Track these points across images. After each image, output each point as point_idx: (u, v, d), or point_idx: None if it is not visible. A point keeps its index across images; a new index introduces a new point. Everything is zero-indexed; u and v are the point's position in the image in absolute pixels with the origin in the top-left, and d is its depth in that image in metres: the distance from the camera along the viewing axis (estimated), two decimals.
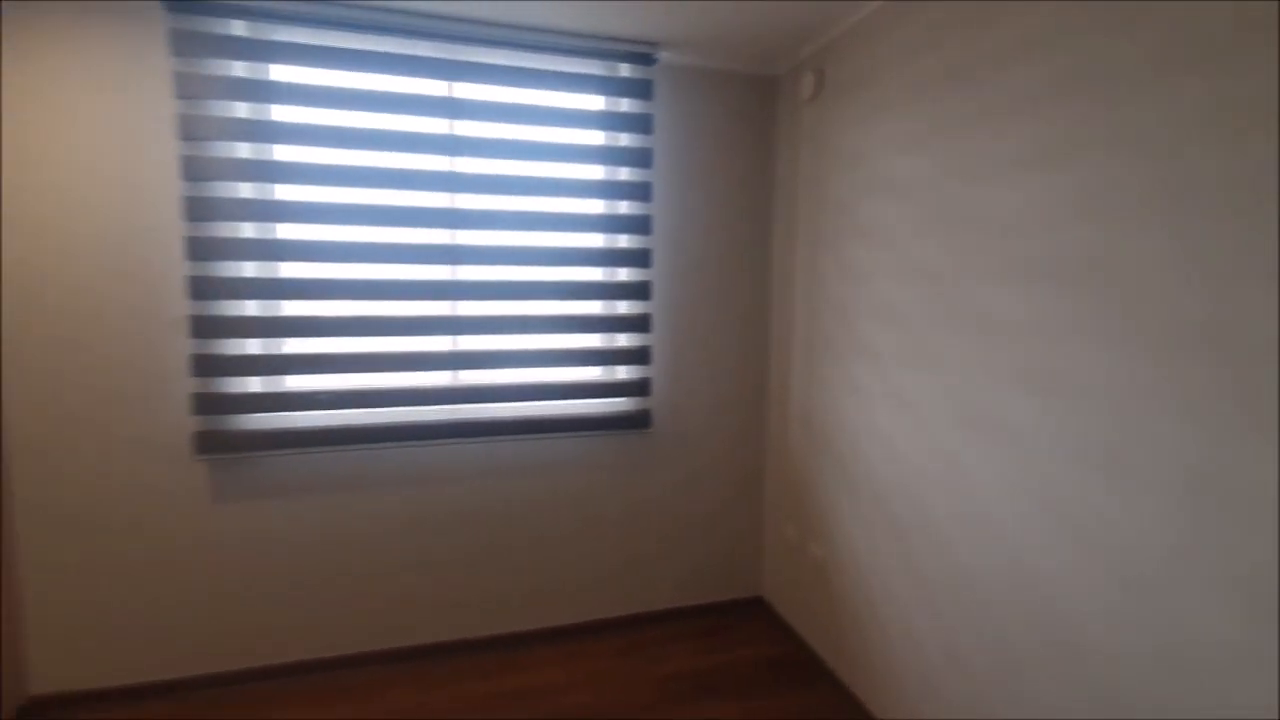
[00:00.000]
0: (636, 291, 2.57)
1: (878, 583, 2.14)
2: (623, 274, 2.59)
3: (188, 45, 2.01)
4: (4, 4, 1.93)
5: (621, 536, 2.74)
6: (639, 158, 2.50)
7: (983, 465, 1.70)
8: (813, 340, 2.50)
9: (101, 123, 2.04)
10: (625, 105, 2.50)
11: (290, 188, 2.19)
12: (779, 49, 2.45)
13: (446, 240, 2.36)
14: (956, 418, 1.78)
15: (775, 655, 2.61)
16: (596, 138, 2.50)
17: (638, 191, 2.52)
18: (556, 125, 2.39)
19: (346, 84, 2.19)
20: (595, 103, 2.50)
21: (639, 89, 2.46)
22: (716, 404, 2.80)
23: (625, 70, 2.46)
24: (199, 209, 2.08)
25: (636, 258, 2.56)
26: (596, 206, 2.54)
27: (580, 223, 2.48)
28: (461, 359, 2.41)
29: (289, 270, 2.25)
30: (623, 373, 2.65)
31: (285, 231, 2.21)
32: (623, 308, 2.61)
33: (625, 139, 2.51)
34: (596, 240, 2.55)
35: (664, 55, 2.48)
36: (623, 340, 2.63)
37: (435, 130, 2.30)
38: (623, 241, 2.57)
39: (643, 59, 2.42)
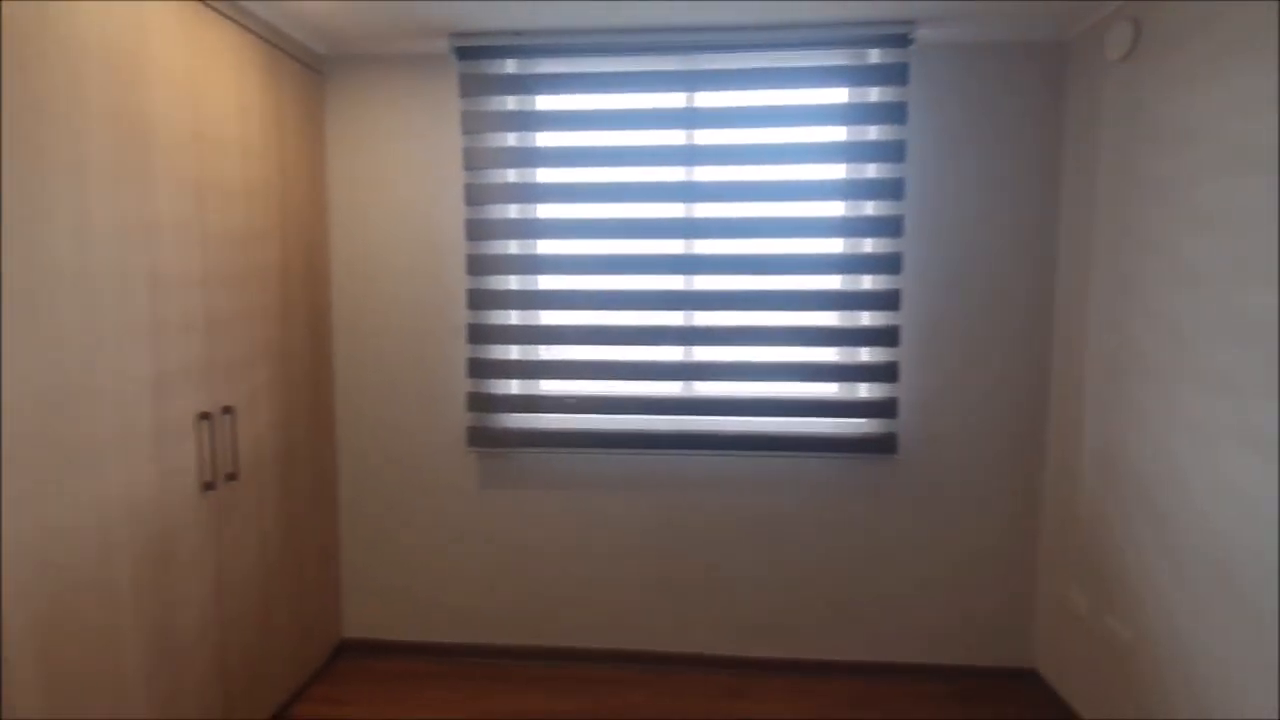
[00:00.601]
0: (883, 301, 2.32)
1: (1217, 684, 1.60)
2: (867, 282, 2.36)
3: (473, 86, 2.32)
4: (328, 67, 2.43)
5: (859, 572, 2.47)
6: (889, 151, 2.25)
7: None
8: (1120, 360, 2.00)
9: (407, 161, 2.45)
10: (875, 95, 2.28)
11: (547, 206, 2.40)
12: (1073, 6, 2.02)
13: (681, 250, 2.38)
14: None
15: None
16: (839, 133, 2.31)
17: (887, 189, 2.27)
18: (796, 124, 2.27)
19: (595, 106, 2.34)
20: (839, 96, 2.32)
21: (891, 75, 2.22)
22: (981, 432, 2.39)
23: (875, 56, 2.24)
24: (476, 229, 2.38)
25: (884, 263, 2.30)
26: (837, 209, 2.35)
27: (819, 227, 2.32)
28: (694, 370, 2.40)
29: (545, 283, 2.46)
30: (865, 391, 2.40)
31: (543, 247, 2.43)
32: (866, 319, 2.37)
33: (874, 132, 2.28)
34: (836, 246, 2.35)
35: (921, 34, 2.20)
36: (865, 355, 2.38)
37: (674, 142, 2.34)
38: (868, 246, 2.34)
39: (896, 41, 2.18)
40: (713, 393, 2.44)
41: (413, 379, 2.53)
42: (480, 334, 2.42)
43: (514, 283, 2.46)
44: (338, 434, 2.58)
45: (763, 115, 2.27)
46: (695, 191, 2.33)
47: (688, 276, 2.39)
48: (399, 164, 2.46)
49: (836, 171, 2.34)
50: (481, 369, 2.43)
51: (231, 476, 1.95)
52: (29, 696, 1.35)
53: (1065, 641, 2.27)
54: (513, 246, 2.44)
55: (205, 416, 1.85)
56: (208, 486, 1.86)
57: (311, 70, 2.36)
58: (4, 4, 1.28)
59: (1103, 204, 2.07)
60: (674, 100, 2.34)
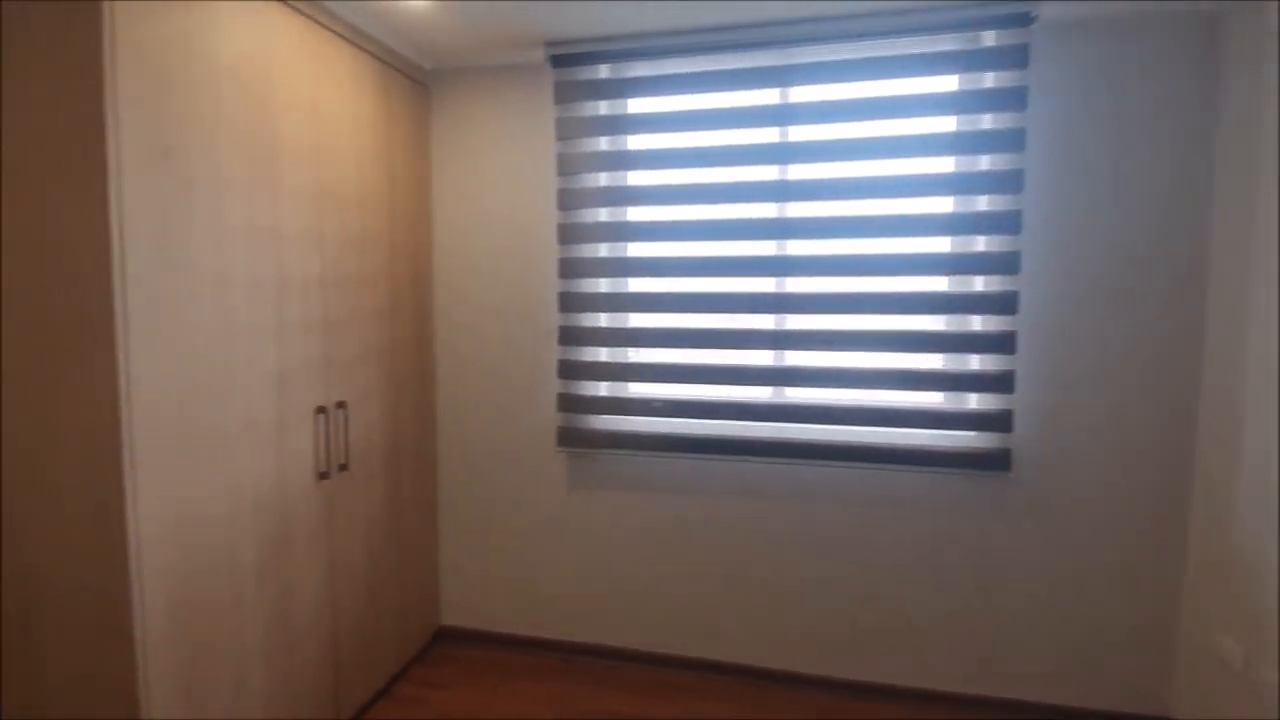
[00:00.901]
0: (998, 304, 2.14)
1: None
2: (979, 283, 2.18)
3: (567, 93, 2.37)
4: (433, 81, 2.55)
5: (966, 598, 2.29)
6: (1006, 141, 2.07)
7: None
8: None
9: (503, 168, 2.54)
10: (990, 80, 2.10)
11: (637, 209, 2.41)
12: None
13: (773, 251, 2.31)
14: None
15: None
16: (948, 124, 2.16)
17: (1003, 182, 2.09)
18: (899, 116, 2.14)
19: (687, 106, 2.32)
20: (948, 84, 2.16)
21: (1009, 58, 2.04)
22: (1112, 450, 2.14)
23: (990, 39, 2.07)
24: (568, 233, 2.43)
25: (999, 263, 2.12)
26: (945, 205, 2.19)
27: (924, 225, 2.17)
28: (785, 375, 2.32)
29: (634, 285, 2.47)
30: (975, 402, 2.22)
31: (633, 250, 2.45)
32: (977, 323, 2.20)
33: (988, 120, 2.11)
34: (943, 244, 2.20)
35: (1045, 10, 2.01)
36: (976, 363, 2.21)
37: (766, 140, 2.27)
38: (980, 244, 2.17)
39: (1017, 21, 2.00)
40: (805, 399, 2.35)
41: (507, 379, 2.61)
42: (570, 336, 2.46)
43: (604, 285, 2.48)
44: (439, 430, 2.71)
45: (862, 108, 2.16)
46: (789, 190, 2.26)
47: (779, 278, 2.32)
48: (496, 171, 2.55)
49: (944, 165, 2.18)
50: (571, 370, 2.47)
51: (343, 467, 2.10)
52: (164, 663, 1.50)
53: (1210, 692, 1.99)
54: (603, 250, 2.47)
55: (321, 410, 1.99)
56: (322, 475, 2.00)
57: (419, 84, 2.50)
58: (156, 35, 1.43)
59: (1271, 194, 1.80)
60: (767, 97, 2.27)
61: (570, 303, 2.45)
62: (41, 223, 1.39)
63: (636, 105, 2.42)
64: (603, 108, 2.41)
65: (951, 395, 2.26)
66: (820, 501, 2.38)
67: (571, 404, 2.49)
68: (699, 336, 2.37)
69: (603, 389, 2.52)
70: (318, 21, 1.93)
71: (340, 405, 2.08)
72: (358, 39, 2.11)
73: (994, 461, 2.18)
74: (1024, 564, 2.24)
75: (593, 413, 2.49)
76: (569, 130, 2.38)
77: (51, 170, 1.37)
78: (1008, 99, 2.06)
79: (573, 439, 2.50)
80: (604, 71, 2.37)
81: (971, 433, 2.22)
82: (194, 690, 1.57)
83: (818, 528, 2.39)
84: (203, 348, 1.58)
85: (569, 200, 2.41)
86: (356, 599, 2.19)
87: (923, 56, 2.11)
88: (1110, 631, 2.20)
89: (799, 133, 2.26)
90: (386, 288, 2.31)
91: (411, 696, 2.39)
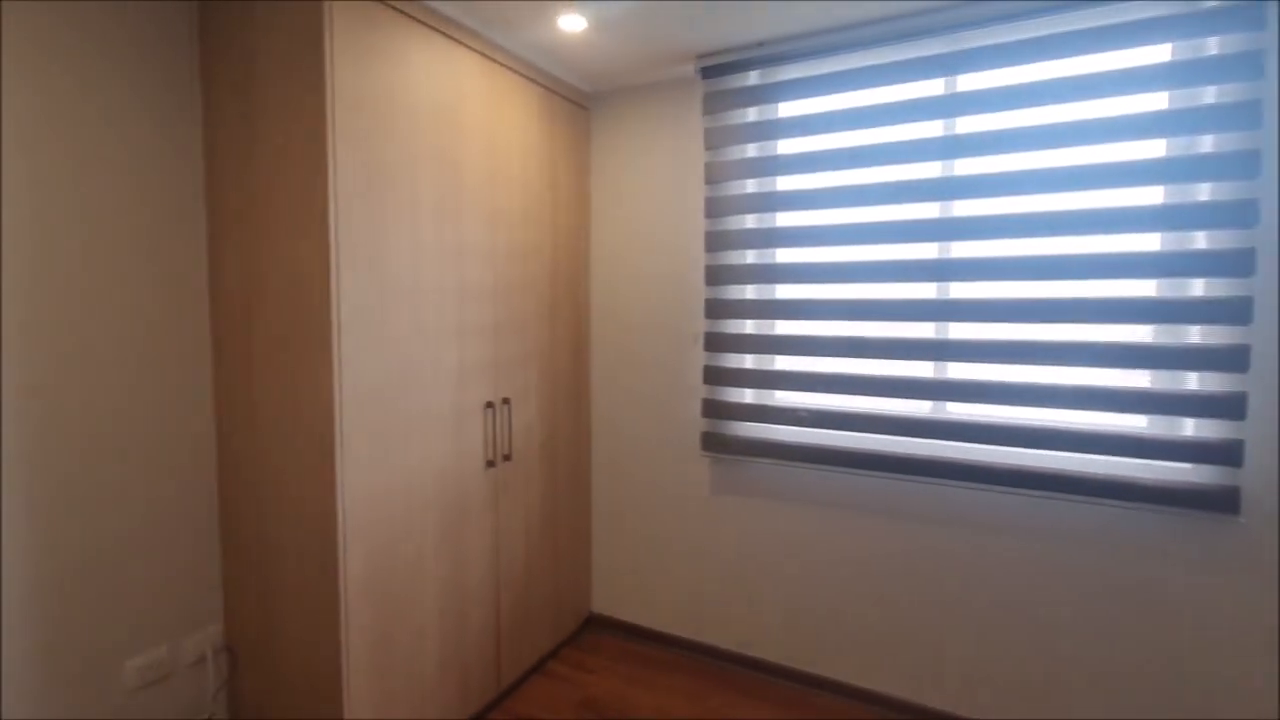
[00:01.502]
0: (1224, 312, 1.78)
1: None
2: (1198, 286, 1.84)
3: (716, 103, 2.41)
4: (592, 103, 2.71)
5: (1165, 660, 1.93)
6: (1238, 117, 1.72)
7: None
8: None
9: (653, 180, 2.64)
10: (1213, 46, 1.76)
11: (786, 215, 2.37)
12: None
13: (935, 255, 2.14)
14: None
15: None
16: (1156, 101, 1.84)
17: (1233, 166, 1.74)
18: (1092, 97, 1.87)
19: (840, 105, 2.24)
20: (1157, 54, 1.85)
21: (1240, 19, 1.69)
22: None
23: None
24: (715, 241, 2.46)
25: (1226, 263, 1.77)
26: (1153, 195, 1.87)
27: (1124, 219, 1.87)
28: (946, 389, 2.14)
29: (782, 292, 2.43)
30: (1190, 428, 1.87)
31: (781, 256, 2.42)
32: (1195, 334, 1.85)
33: (1211, 94, 1.77)
34: (1150, 242, 1.88)
35: None
36: (1194, 381, 1.86)
37: (928, 134, 2.11)
38: (1199, 241, 1.82)
39: None
40: (970, 416, 2.14)
41: (655, 382, 2.71)
42: (716, 342, 2.49)
43: (750, 292, 2.48)
44: (592, 428, 2.89)
45: (1047, 90, 1.92)
46: (954, 188, 2.07)
47: (941, 283, 2.14)
48: (647, 183, 2.66)
49: (1152, 149, 1.86)
50: (716, 376, 2.50)
51: (507, 458, 2.33)
52: (362, 611, 1.79)
53: None
54: (749, 256, 2.46)
55: (489, 405, 2.23)
56: (489, 464, 2.24)
57: (580, 107, 2.69)
58: (366, 82, 1.72)
59: None
60: (931, 88, 2.11)
61: (716, 309, 2.48)
62: (291, 247, 1.74)
63: (787, 109, 2.39)
64: (751, 114, 2.39)
65: (1159, 419, 1.92)
66: (988, 531, 2.15)
67: (716, 409, 2.52)
68: (850, 345, 2.26)
69: (748, 396, 2.51)
70: (494, 60, 2.18)
71: (505, 401, 2.31)
72: (527, 71, 2.34)
73: (1217, 501, 1.81)
74: (1256, 629, 1.83)
75: (737, 419, 2.49)
76: (717, 140, 2.42)
77: (291, 203, 1.72)
78: (1238, 67, 1.71)
79: (716, 444, 2.52)
80: (753, 78, 2.37)
81: (1186, 465, 1.87)
82: (382, 634, 1.85)
83: (984, 559, 2.16)
84: (398, 348, 1.86)
85: (716, 208, 2.45)
86: (516, 578, 2.41)
87: (1124, 26, 1.82)
88: None
89: (967, 124, 2.08)
90: (548, 295, 2.53)
91: (563, 675, 2.56)
